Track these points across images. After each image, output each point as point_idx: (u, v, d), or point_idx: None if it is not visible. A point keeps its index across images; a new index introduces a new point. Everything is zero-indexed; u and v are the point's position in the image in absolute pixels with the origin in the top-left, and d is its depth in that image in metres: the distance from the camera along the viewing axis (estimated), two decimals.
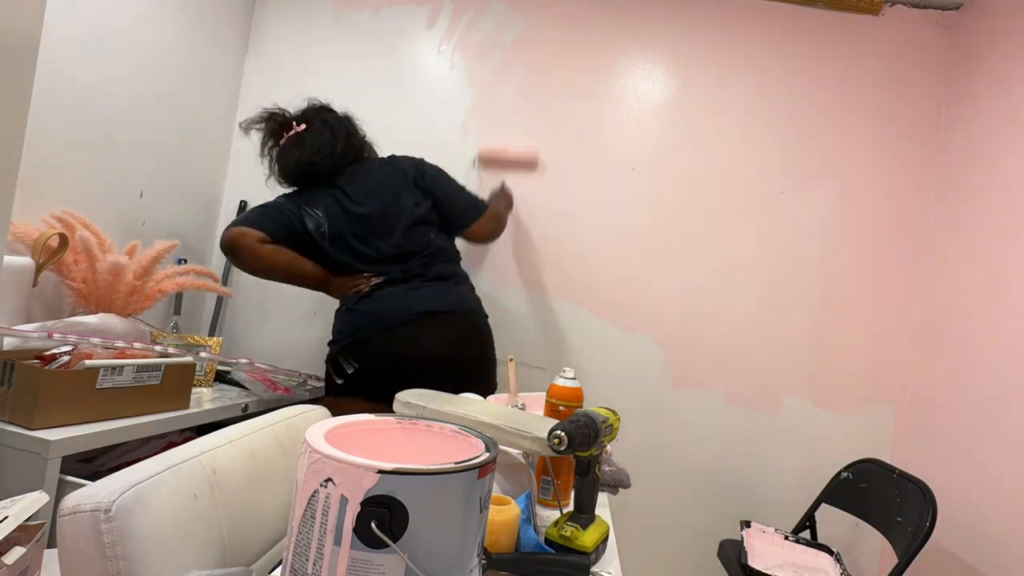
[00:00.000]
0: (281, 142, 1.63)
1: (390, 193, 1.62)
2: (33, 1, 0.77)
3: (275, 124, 1.66)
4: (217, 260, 2.17)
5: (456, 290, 1.65)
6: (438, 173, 1.73)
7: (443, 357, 1.53)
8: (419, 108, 2.15)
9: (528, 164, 2.02)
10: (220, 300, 2.14)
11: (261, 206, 1.62)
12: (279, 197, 1.64)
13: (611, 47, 2.12)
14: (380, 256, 1.59)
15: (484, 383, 1.62)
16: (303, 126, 1.62)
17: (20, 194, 0.82)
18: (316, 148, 1.60)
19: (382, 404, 1.48)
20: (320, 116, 1.66)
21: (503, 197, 1.97)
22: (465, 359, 1.58)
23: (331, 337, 1.62)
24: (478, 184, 2.05)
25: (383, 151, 2.13)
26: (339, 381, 1.56)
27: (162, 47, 1.79)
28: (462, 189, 1.75)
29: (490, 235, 1.82)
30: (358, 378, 1.53)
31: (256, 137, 1.79)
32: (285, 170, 1.63)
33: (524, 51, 2.13)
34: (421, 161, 1.74)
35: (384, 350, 1.52)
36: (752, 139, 2.06)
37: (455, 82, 2.15)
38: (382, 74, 2.17)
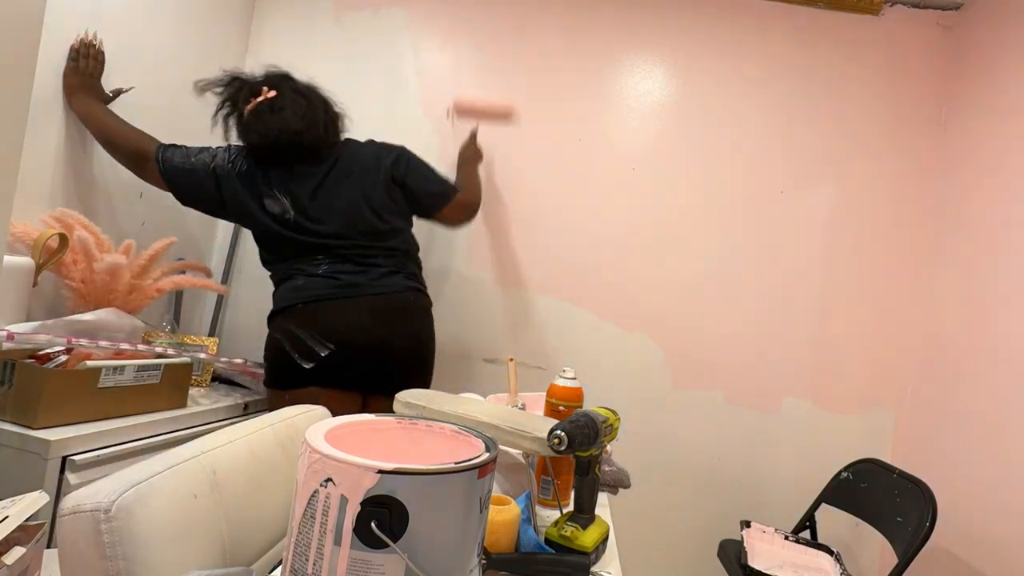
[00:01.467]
0: (248, 107, 1.49)
1: (359, 195, 1.54)
2: (33, 1, 0.77)
3: (240, 87, 1.53)
4: (217, 259, 2.17)
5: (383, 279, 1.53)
6: (413, 163, 1.66)
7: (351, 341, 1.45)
8: (418, 108, 2.15)
9: (504, 115, 1.92)
10: (220, 299, 2.14)
11: (202, 150, 1.54)
12: (229, 154, 1.54)
13: (611, 47, 2.12)
14: (321, 242, 1.51)
15: (412, 372, 1.54)
16: (273, 92, 1.50)
17: (20, 194, 0.82)
18: (300, 115, 1.49)
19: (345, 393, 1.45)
20: (288, 84, 1.55)
21: (473, 153, 1.90)
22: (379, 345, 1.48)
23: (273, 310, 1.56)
24: (452, 135, 2.05)
25: None
26: (307, 366, 1.44)
27: (162, 47, 1.79)
28: (432, 174, 1.67)
29: (460, 221, 1.75)
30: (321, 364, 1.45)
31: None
32: (263, 136, 1.48)
33: (524, 51, 2.13)
34: (401, 152, 1.66)
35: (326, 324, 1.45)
36: (752, 139, 2.06)
37: (455, 82, 2.14)
38: (382, 74, 2.17)
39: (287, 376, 1.46)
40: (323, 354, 1.43)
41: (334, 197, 1.53)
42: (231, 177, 1.52)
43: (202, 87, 1.57)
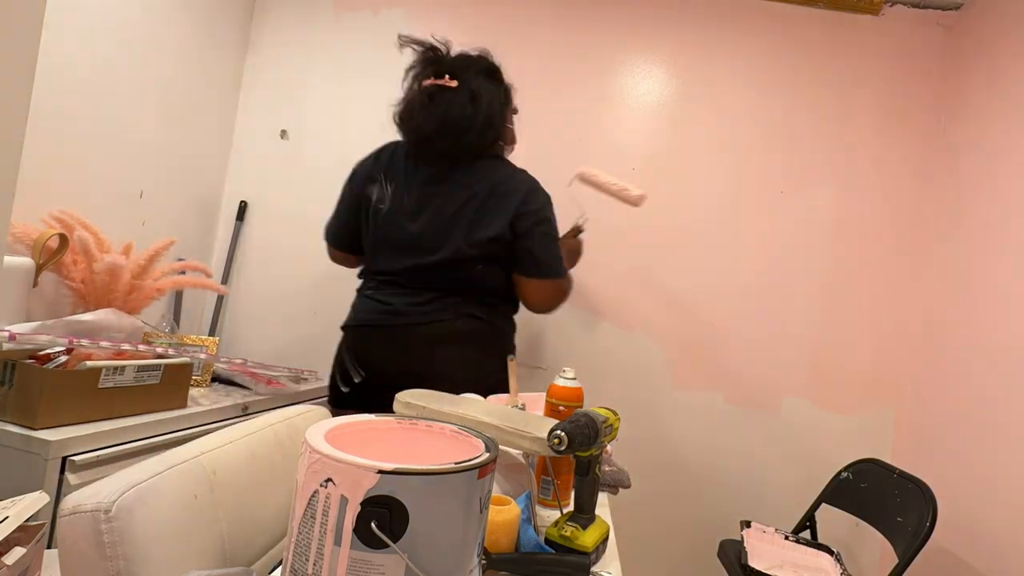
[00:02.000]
0: (422, 84, 1.42)
1: (465, 219, 1.41)
2: (33, 1, 0.77)
3: (428, 63, 1.46)
4: (217, 260, 2.17)
5: (430, 305, 1.42)
6: (544, 226, 1.49)
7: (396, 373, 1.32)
8: None
9: (629, 201, 1.76)
10: (220, 299, 2.14)
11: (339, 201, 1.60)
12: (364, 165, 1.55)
13: (611, 47, 2.12)
14: (392, 249, 1.45)
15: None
16: (454, 83, 1.39)
17: (20, 194, 0.82)
18: (455, 121, 1.38)
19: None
20: (475, 81, 1.42)
21: (572, 248, 1.74)
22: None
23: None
24: (568, 199, 2.01)
25: None
26: (344, 389, 1.47)
27: (162, 47, 1.79)
28: (555, 247, 1.51)
29: (541, 302, 1.55)
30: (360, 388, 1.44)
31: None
32: (411, 122, 1.44)
33: (524, 51, 2.13)
34: (541, 208, 1.48)
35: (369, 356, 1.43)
36: (752, 139, 2.06)
37: None
38: (382, 74, 2.17)
39: (333, 395, 1.51)
40: (356, 380, 1.44)
41: (437, 211, 1.42)
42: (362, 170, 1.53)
43: (403, 42, 1.49)
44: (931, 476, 1.77)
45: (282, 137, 2.19)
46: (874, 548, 1.94)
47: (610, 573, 0.88)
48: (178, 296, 2.00)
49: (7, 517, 0.60)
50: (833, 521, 1.78)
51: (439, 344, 1.43)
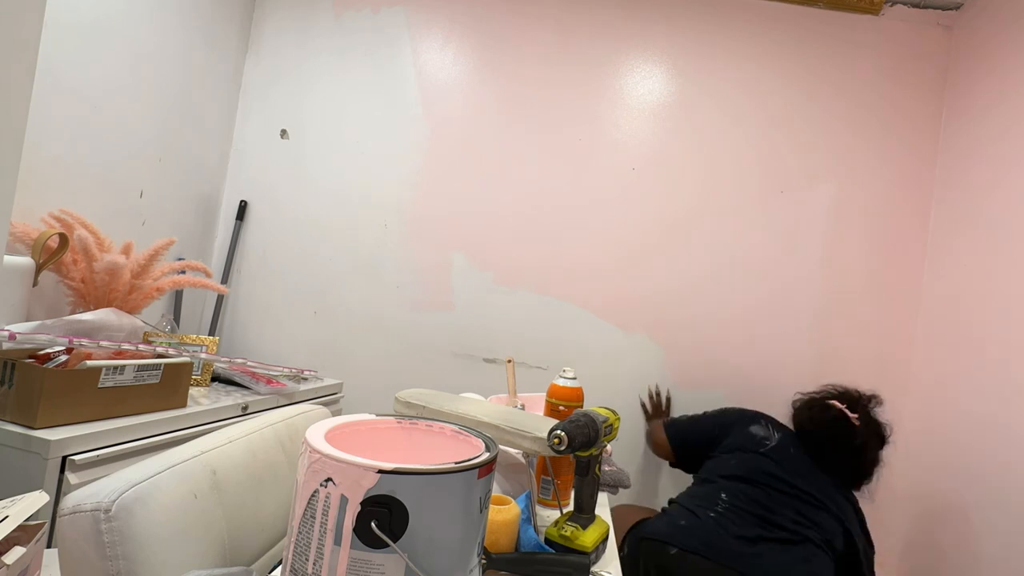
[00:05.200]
0: (832, 414, 1.54)
1: (835, 508, 1.45)
2: (33, 1, 0.77)
3: (839, 395, 1.59)
4: (217, 259, 2.17)
5: (799, 566, 1.32)
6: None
7: None
8: (418, 108, 2.15)
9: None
10: (220, 299, 2.14)
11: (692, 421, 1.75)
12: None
13: (611, 47, 2.12)
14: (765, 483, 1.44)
15: None
16: (857, 418, 1.52)
17: (20, 194, 0.82)
18: (859, 448, 1.50)
19: None
20: (869, 418, 1.54)
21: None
22: None
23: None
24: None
25: (381, 152, 2.15)
26: None
27: (162, 47, 1.79)
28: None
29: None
30: None
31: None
32: (803, 423, 1.57)
33: (524, 51, 2.13)
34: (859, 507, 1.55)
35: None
36: (752, 138, 2.06)
37: (454, 82, 2.15)
38: (382, 74, 2.17)
39: None
40: None
41: (813, 494, 1.45)
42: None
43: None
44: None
45: (282, 137, 2.19)
46: None
47: (610, 573, 0.88)
48: (178, 296, 2.00)
49: (7, 516, 0.60)
50: None
51: None
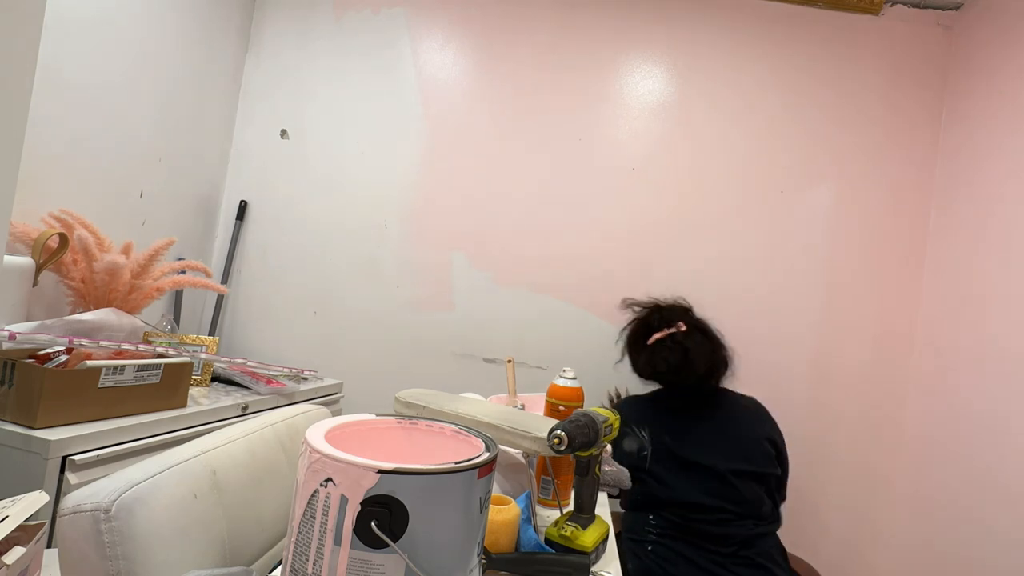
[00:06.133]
0: (653, 338, 1.54)
1: (737, 453, 1.44)
2: (33, 1, 0.77)
3: (655, 318, 1.59)
4: (217, 259, 2.17)
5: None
6: (783, 445, 1.54)
7: None
8: (418, 108, 2.15)
9: None
10: (220, 299, 2.14)
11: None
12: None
13: (611, 47, 2.12)
14: (681, 500, 1.41)
15: None
16: (683, 327, 1.52)
17: (20, 194, 0.82)
18: (705, 357, 1.50)
19: None
20: (693, 322, 1.57)
21: None
22: None
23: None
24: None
25: (380, 152, 2.15)
26: None
27: (162, 47, 1.79)
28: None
29: None
30: None
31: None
32: (654, 369, 1.54)
33: (524, 50, 2.13)
34: (775, 426, 1.55)
35: None
36: (752, 138, 2.06)
37: (454, 82, 2.15)
38: (382, 74, 2.17)
39: None
40: None
41: (707, 448, 1.45)
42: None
43: (626, 305, 1.71)
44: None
45: (282, 137, 2.19)
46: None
47: (610, 573, 0.88)
48: (178, 296, 2.00)
49: (7, 516, 0.60)
50: None
51: None
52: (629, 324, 1.67)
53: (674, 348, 1.51)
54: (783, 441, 1.53)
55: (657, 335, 1.54)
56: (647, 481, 1.46)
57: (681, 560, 1.34)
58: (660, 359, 1.52)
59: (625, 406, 1.60)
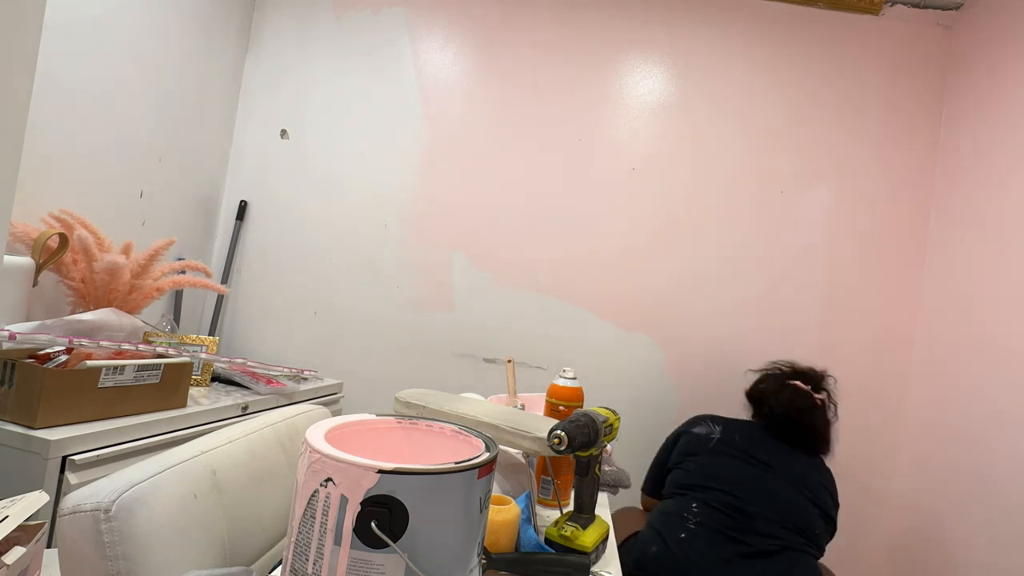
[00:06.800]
0: (796, 381, 1.59)
1: (799, 479, 1.44)
2: (33, 1, 0.77)
3: (807, 376, 1.64)
4: (217, 259, 2.17)
5: None
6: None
7: None
8: (418, 108, 2.15)
9: None
10: (220, 299, 2.14)
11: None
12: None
13: (611, 47, 2.12)
14: (735, 478, 1.41)
15: None
16: (821, 400, 1.56)
17: (20, 194, 0.82)
18: (810, 427, 1.52)
19: None
20: (829, 399, 1.59)
21: None
22: None
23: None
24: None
25: (380, 152, 2.15)
26: None
27: (162, 47, 1.79)
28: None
29: None
30: None
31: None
32: (774, 402, 1.57)
33: (524, 50, 2.13)
34: (836, 492, 1.52)
35: None
36: (752, 138, 2.06)
37: (454, 82, 2.15)
38: (382, 74, 2.17)
39: None
40: None
41: (774, 458, 1.47)
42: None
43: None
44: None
45: (282, 137, 2.19)
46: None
47: (610, 573, 0.88)
48: (178, 296, 2.00)
49: (7, 516, 0.60)
50: None
51: None
52: (778, 363, 1.71)
53: (806, 399, 1.55)
54: (837, 508, 1.50)
55: (799, 383, 1.59)
56: (704, 464, 1.48)
57: (711, 551, 1.32)
58: (787, 399, 1.55)
59: (709, 415, 1.65)
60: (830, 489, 1.48)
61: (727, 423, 1.58)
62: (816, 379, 1.62)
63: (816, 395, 1.56)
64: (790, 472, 1.44)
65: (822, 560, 1.53)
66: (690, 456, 1.53)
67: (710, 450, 1.50)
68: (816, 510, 1.41)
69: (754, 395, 1.65)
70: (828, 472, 1.52)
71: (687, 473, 1.49)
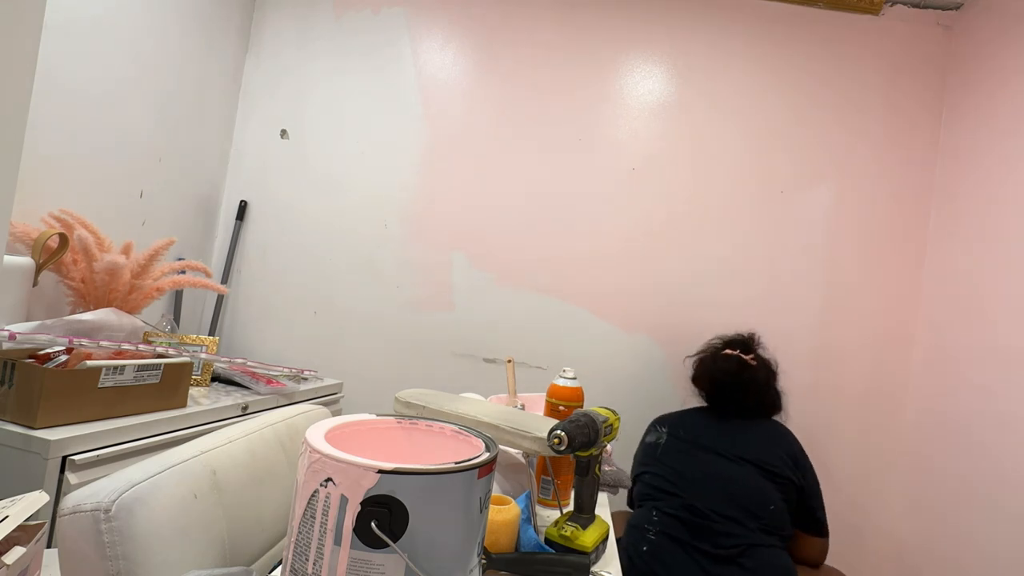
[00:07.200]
0: (721, 354, 1.63)
1: (750, 448, 1.46)
2: (33, 1, 0.77)
3: (735, 342, 1.68)
4: (217, 259, 2.17)
5: None
6: (813, 476, 1.52)
7: None
8: (418, 108, 2.15)
9: None
10: (220, 299, 2.14)
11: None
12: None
13: (611, 47, 2.12)
14: (688, 480, 1.43)
15: None
16: (752, 359, 1.60)
17: (20, 194, 0.82)
18: (747, 387, 1.55)
19: None
20: (762, 358, 1.63)
21: None
22: None
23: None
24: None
25: (380, 152, 2.15)
26: None
27: (162, 47, 1.79)
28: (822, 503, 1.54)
29: (812, 562, 1.52)
30: None
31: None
32: (712, 377, 1.60)
33: (524, 50, 2.13)
34: (806, 459, 1.53)
35: None
36: (752, 139, 2.06)
37: (454, 82, 2.15)
38: (382, 74, 2.17)
39: None
40: None
41: (721, 440, 1.49)
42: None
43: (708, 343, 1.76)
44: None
45: (282, 137, 2.19)
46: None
47: (610, 573, 0.88)
48: (178, 296, 2.00)
49: (7, 516, 0.60)
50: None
51: None
52: (711, 341, 1.74)
53: (734, 362, 1.60)
54: (807, 461, 1.51)
55: (730, 351, 1.64)
56: (657, 473, 1.49)
57: (675, 561, 1.33)
58: (718, 368, 1.60)
59: (658, 417, 1.67)
60: (783, 446, 1.49)
61: (673, 421, 1.61)
62: (745, 343, 1.67)
63: (745, 355, 1.60)
64: (733, 447, 1.47)
65: (826, 561, 1.53)
66: (644, 467, 1.55)
67: (658, 457, 1.53)
68: (767, 482, 1.42)
69: (694, 378, 1.68)
70: (781, 430, 1.54)
71: (644, 485, 1.52)
